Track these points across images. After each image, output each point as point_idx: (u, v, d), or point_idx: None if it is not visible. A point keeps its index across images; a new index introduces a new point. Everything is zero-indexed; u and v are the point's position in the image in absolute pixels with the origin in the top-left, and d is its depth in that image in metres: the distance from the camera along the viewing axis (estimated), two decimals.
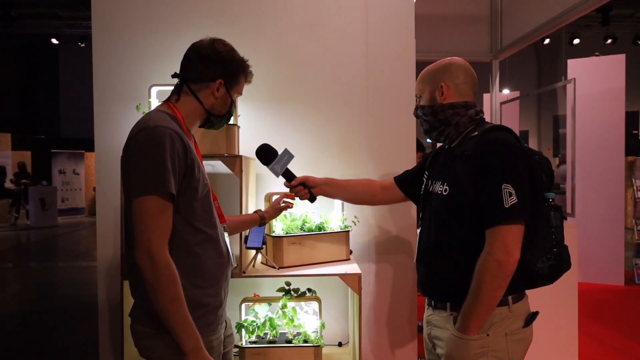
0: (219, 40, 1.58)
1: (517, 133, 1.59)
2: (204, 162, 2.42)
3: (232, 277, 1.92)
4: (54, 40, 12.88)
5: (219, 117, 1.61)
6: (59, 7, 12.08)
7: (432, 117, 1.63)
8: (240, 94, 1.67)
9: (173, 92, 1.57)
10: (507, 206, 1.39)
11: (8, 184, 13.35)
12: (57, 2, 11.89)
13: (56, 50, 16.52)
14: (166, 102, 1.56)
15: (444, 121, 1.62)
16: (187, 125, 1.52)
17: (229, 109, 1.62)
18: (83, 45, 12.57)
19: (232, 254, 1.64)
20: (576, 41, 12.47)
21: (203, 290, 1.45)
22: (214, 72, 1.54)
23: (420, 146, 3.86)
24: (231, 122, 2.19)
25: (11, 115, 16.52)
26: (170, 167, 1.35)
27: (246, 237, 2.08)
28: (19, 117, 16.99)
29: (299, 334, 2.20)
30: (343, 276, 2.03)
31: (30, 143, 14.87)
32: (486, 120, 1.66)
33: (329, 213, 2.32)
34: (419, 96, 1.68)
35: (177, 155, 1.37)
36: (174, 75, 1.58)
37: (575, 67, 5.97)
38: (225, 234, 1.63)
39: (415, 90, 1.71)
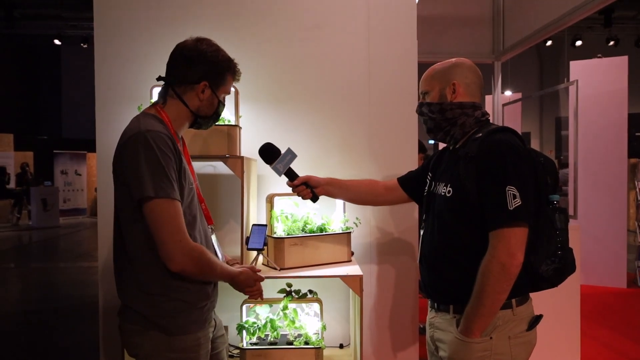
0: (203, 40, 1.55)
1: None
2: (205, 163, 2.43)
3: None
4: (57, 41, 12.89)
5: (206, 119, 1.61)
6: (61, 8, 12.10)
7: (440, 115, 1.62)
8: (228, 93, 1.65)
9: (159, 95, 1.57)
10: (511, 208, 1.38)
11: (11, 184, 13.36)
12: (60, 3, 11.91)
13: (58, 51, 16.54)
14: (153, 105, 1.55)
15: (450, 120, 1.60)
16: (174, 129, 1.52)
17: (216, 110, 1.61)
18: (85, 46, 12.58)
19: (221, 255, 1.65)
20: (578, 43, 12.43)
21: (187, 290, 1.47)
22: (198, 74, 1.52)
23: (422, 147, 3.85)
24: (233, 122, 2.19)
25: (13, 116, 16.54)
26: (170, 170, 1.39)
27: (247, 238, 2.07)
28: (21, 118, 17.02)
29: (300, 335, 2.20)
30: (344, 278, 2.03)
31: (32, 143, 14.88)
32: (490, 121, 1.65)
33: (331, 214, 2.32)
34: (425, 93, 1.66)
35: (172, 155, 1.41)
36: (159, 78, 1.57)
37: (577, 68, 5.96)
38: (213, 236, 1.64)
39: (420, 87, 1.69)
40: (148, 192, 1.34)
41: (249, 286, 1.60)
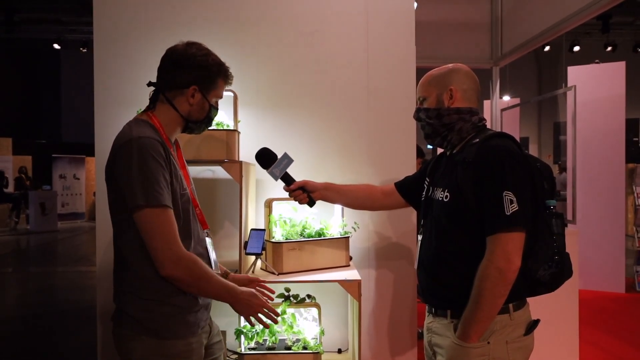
0: (194, 44, 1.54)
1: (518, 140, 1.59)
2: (203, 167, 2.44)
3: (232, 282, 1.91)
4: (56, 46, 12.93)
5: (198, 123, 1.60)
6: (61, 12, 12.13)
7: (437, 120, 1.62)
8: (220, 97, 1.63)
9: (150, 100, 1.56)
10: (508, 213, 1.38)
11: (9, 188, 13.34)
12: (60, 8, 11.94)
13: (58, 55, 16.57)
14: (145, 111, 1.55)
15: (448, 125, 1.61)
16: (166, 134, 1.52)
17: (208, 114, 1.60)
18: (85, 50, 12.61)
19: (214, 260, 1.64)
20: (576, 48, 12.50)
21: (181, 295, 1.46)
22: (188, 79, 1.51)
23: (420, 152, 3.86)
24: (231, 127, 2.19)
25: (12, 120, 16.54)
26: (161, 178, 1.39)
27: (246, 243, 2.07)
28: (20, 122, 17.01)
29: (298, 340, 2.19)
30: (343, 282, 2.03)
31: (31, 147, 14.88)
32: (488, 127, 1.65)
33: (329, 219, 2.32)
34: (423, 99, 1.67)
35: (163, 162, 1.41)
36: (149, 84, 1.56)
37: (575, 74, 5.98)
38: (208, 240, 1.63)
39: (418, 93, 1.69)
40: (139, 201, 1.35)
41: (255, 304, 1.51)
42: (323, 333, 2.21)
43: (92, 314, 2.54)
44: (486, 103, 5.91)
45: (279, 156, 1.90)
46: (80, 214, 14.67)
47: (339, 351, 2.51)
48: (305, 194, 1.92)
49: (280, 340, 2.21)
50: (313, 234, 2.23)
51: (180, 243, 1.40)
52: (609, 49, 12.39)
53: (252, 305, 1.51)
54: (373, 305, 2.55)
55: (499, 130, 4.33)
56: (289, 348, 2.16)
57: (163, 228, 1.37)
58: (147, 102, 2.25)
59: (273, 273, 2.12)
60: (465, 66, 1.66)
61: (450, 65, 1.66)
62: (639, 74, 10.72)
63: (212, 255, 1.63)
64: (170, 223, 1.39)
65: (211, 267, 1.59)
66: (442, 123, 1.62)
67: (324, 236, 2.24)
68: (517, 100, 8.72)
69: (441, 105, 1.62)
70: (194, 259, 1.43)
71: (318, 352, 2.13)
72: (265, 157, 1.90)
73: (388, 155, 2.55)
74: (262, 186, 2.50)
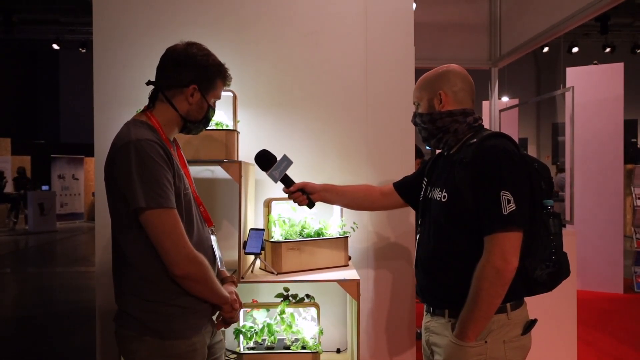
0: (194, 44, 1.55)
1: (516, 140, 1.60)
2: (202, 167, 2.44)
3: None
4: (55, 46, 12.93)
5: (196, 123, 1.60)
6: (60, 12, 12.13)
7: (431, 124, 1.64)
8: (219, 98, 1.64)
9: (150, 99, 1.56)
10: (506, 213, 1.39)
11: (8, 188, 13.32)
12: (58, 8, 11.94)
13: (57, 56, 16.57)
14: (144, 111, 1.55)
15: (442, 129, 1.62)
16: (165, 133, 1.52)
17: (206, 114, 1.60)
18: (84, 50, 12.62)
19: (220, 258, 1.64)
20: (575, 49, 12.53)
21: (184, 296, 1.47)
22: (188, 78, 1.51)
23: (419, 153, 3.87)
24: (230, 127, 2.20)
25: (11, 120, 16.53)
26: (164, 179, 1.38)
27: (245, 243, 2.08)
28: (19, 122, 17.00)
29: (297, 340, 2.20)
30: (342, 282, 2.03)
31: (30, 148, 14.86)
32: (485, 127, 1.66)
33: (328, 219, 2.32)
34: (417, 103, 1.69)
35: (164, 163, 1.41)
36: (148, 83, 1.56)
37: (574, 75, 6.00)
38: (213, 237, 1.64)
39: (413, 98, 1.72)
40: (140, 203, 1.35)
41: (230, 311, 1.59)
42: (322, 333, 2.22)
43: (91, 314, 2.55)
44: (485, 104, 5.92)
45: (279, 158, 1.91)
46: (79, 214, 14.67)
47: (338, 351, 2.52)
48: (304, 195, 1.92)
49: (279, 339, 2.22)
50: (312, 233, 2.23)
51: (189, 242, 1.42)
52: (608, 50, 12.42)
53: (236, 309, 1.60)
54: (372, 305, 2.55)
55: (497, 130, 4.34)
56: (287, 348, 2.17)
57: (171, 229, 1.38)
58: (146, 102, 2.26)
59: (272, 273, 2.13)
60: (457, 67, 1.66)
61: (442, 67, 1.66)
62: (637, 75, 10.77)
63: (218, 253, 1.63)
64: (178, 223, 1.40)
65: (215, 264, 1.60)
66: (436, 127, 1.63)
67: (323, 236, 2.24)
68: (515, 101, 8.74)
69: (432, 109, 1.63)
70: (202, 257, 1.46)
71: (317, 352, 2.13)
72: (265, 159, 1.91)
73: (387, 156, 2.55)
74: (261, 186, 2.51)
